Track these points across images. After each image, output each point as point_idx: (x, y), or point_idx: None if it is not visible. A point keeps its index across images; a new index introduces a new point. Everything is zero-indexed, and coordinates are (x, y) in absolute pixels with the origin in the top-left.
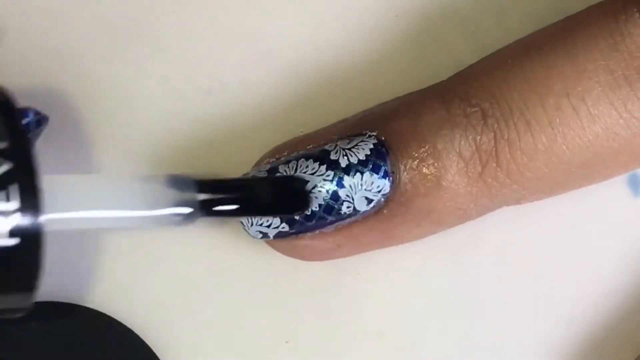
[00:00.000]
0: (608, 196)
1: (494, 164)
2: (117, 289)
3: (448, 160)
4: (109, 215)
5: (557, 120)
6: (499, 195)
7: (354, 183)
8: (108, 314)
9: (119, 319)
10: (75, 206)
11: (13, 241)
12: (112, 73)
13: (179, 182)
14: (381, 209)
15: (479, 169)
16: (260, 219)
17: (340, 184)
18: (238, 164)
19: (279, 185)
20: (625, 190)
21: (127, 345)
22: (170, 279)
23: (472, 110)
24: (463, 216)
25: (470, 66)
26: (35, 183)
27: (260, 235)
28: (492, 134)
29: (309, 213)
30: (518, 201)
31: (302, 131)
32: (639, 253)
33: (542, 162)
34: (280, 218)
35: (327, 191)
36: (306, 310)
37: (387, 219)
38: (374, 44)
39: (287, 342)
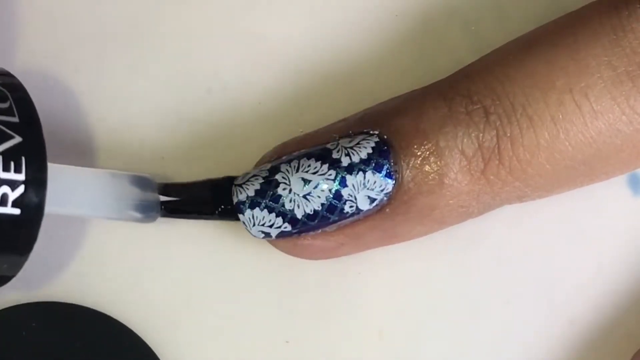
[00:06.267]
0: (608, 196)
1: (497, 161)
2: (117, 289)
3: (450, 158)
4: (90, 206)
5: (560, 115)
6: (502, 193)
7: (357, 182)
8: (108, 314)
9: (119, 319)
10: (64, 194)
11: (15, 211)
12: (112, 72)
13: (141, 182)
14: (383, 208)
15: (482, 166)
16: (263, 219)
17: (343, 184)
18: (238, 164)
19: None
20: (625, 190)
21: (127, 345)
22: (171, 279)
23: (474, 107)
24: (465, 214)
25: (472, 63)
26: (41, 158)
27: (263, 235)
28: (495, 131)
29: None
30: (520, 199)
31: (302, 131)
32: (639, 253)
33: (545, 158)
34: (283, 218)
35: (330, 190)
36: (306, 310)
37: (390, 217)
38: (374, 44)
39: (287, 342)
